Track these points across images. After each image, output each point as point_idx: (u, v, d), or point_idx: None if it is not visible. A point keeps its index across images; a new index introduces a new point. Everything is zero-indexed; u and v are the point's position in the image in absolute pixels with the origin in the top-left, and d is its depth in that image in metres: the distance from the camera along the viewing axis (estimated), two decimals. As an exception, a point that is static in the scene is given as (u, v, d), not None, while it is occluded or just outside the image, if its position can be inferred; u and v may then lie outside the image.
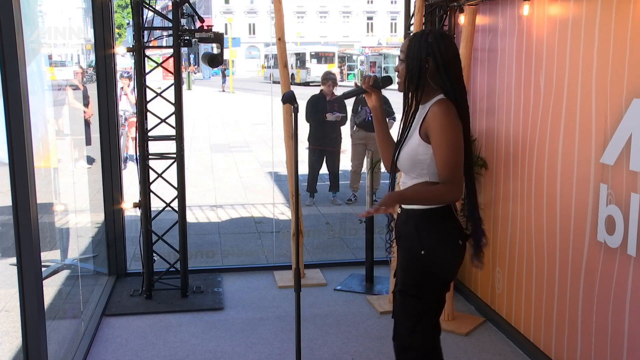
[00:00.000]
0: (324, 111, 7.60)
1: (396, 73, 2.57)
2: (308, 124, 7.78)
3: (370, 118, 7.61)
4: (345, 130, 8.00)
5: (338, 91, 7.89)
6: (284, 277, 5.03)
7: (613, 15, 2.84)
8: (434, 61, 2.39)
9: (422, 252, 2.45)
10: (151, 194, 4.59)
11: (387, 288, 4.73)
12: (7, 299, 4.34)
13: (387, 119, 7.79)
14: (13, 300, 4.18)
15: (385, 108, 8.13)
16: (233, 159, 11.52)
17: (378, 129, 2.71)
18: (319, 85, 7.92)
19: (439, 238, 2.47)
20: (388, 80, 2.66)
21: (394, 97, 5.06)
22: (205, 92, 30.06)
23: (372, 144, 7.69)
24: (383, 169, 5.38)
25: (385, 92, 2.75)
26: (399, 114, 2.72)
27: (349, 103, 8.04)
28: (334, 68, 33.82)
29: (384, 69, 34.76)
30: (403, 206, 2.54)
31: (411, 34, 2.58)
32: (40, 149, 4.42)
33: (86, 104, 8.18)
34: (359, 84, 8.91)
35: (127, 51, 4.49)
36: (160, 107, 4.59)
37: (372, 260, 5.00)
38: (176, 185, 4.57)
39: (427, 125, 2.40)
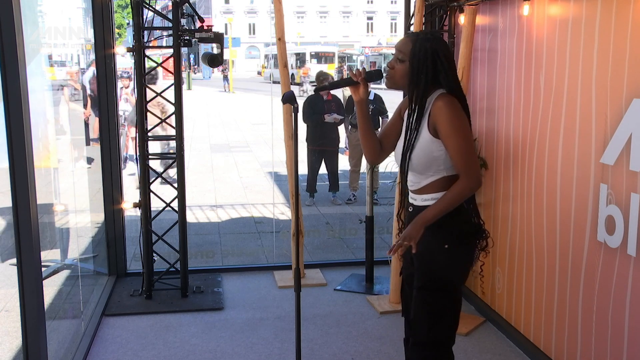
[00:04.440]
0: (321, 112, 7.59)
1: (387, 69, 2.57)
2: (306, 125, 7.79)
3: None
4: (342, 130, 7.99)
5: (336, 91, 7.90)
6: (284, 277, 5.04)
7: (613, 15, 2.84)
8: (439, 63, 2.44)
9: (446, 246, 2.46)
10: (151, 194, 4.59)
11: (387, 288, 4.73)
12: (7, 299, 4.34)
13: (380, 117, 7.70)
14: (13, 300, 4.18)
15: (379, 105, 8.14)
16: (233, 159, 11.53)
17: (362, 123, 2.69)
18: None
19: (460, 232, 2.50)
20: (378, 74, 2.66)
21: (388, 95, 5.07)
22: (205, 92, 30.06)
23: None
24: (382, 169, 5.39)
25: (380, 91, 2.75)
26: (391, 112, 2.72)
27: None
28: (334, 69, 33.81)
29: (384, 69, 34.72)
30: (418, 204, 2.55)
31: (408, 35, 2.57)
32: (40, 149, 4.42)
33: (84, 104, 8.17)
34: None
35: (127, 51, 4.49)
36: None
37: (372, 260, 5.00)
38: (176, 185, 4.57)
39: (434, 120, 2.42)
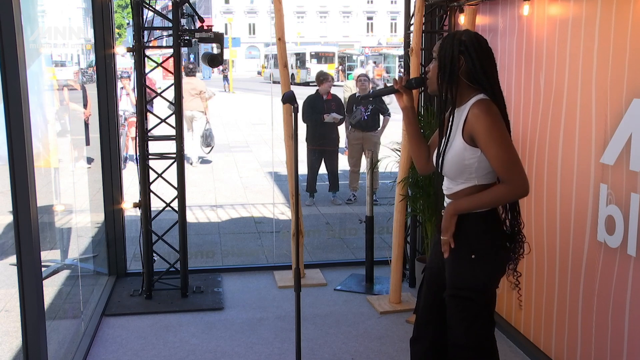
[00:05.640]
0: (321, 111, 7.59)
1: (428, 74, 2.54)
2: (305, 125, 7.79)
3: (365, 117, 7.61)
4: (342, 130, 8.01)
5: (334, 90, 7.90)
6: (284, 277, 5.03)
7: (613, 15, 2.84)
8: (467, 59, 2.36)
9: (473, 256, 2.41)
10: (151, 194, 4.59)
11: (387, 288, 4.73)
12: (7, 299, 4.34)
13: (382, 116, 7.65)
14: (13, 300, 4.18)
15: (379, 105, 8.11)
16: (233, 159, 11.52)
17: (409, 130, 2.64)
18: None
19: (489, 242, 2.43)
20: (421, 81, 2.63)
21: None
22: (205, 92, 29.97)
23: (369, 143, 7.70)
24: (382, 169, 5.39)
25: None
26: (395, 113, 2.71)
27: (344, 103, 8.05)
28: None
29: (384, 69, 34.77)
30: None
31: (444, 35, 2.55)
32: (40, 149, 4.42)
33: (84, 104, 8.18)
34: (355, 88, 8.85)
35: (127, 51, 4.49)
36: (160, 107, 4.59)
37: (372, 260, 5.00)
38: (176, 185, 4.57)
39: (470, 128, 2.34)
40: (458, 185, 2.45)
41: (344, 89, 10.50)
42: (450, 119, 2.44)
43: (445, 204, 2.56)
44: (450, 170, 2.44)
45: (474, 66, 2.36)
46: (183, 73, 10.01)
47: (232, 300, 4.61)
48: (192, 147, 10.35)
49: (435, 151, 2.54)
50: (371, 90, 6.63)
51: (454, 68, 2.37)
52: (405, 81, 2.59)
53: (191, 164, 10.41)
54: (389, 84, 2.96)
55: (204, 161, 10.85)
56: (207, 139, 10.27)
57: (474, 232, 2.42)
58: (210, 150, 10.44)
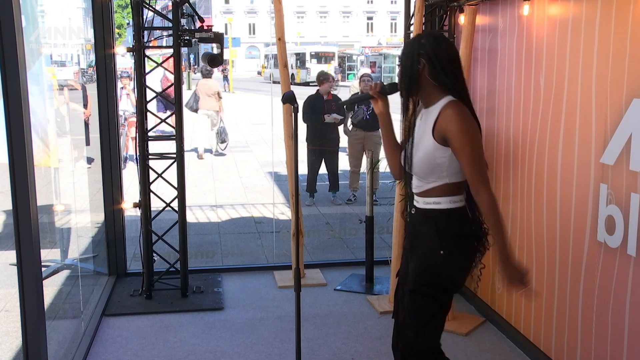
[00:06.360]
0: (321, 112, 7.59)
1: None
2: (306, 125, 7.79)
3: (367, 117, 7.61)
4: (341, 129, 8.00)
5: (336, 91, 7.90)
6: (284, 277, 5.04)
7: (613, 15, 2.84)
8: (428, 61, 2.42)
9: (442, 252, 2.44)
10: (151, 194, 4.59)
11: (387, 288, 4.73)
12: (7, 299, 4.35)
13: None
14: (13, 300, 4.19)
15: None
16: (233, 159, 11.53)
17: (385, 136, 2.70)
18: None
19: (458, 239, 2.46)
20: (394, 87, 2.67)
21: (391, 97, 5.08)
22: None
23: (370, 143, 7.69)
24: (382, 169, 5.39)
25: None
26: (394, 113, 2.73)
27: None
28: (332, 67, 33.80)
29: (384, 69, 34.77)
30: (420, 206, 2.54)
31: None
32: (40, 149, 4.43)
33: (85, 104, 8.18)
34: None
35: (127, 51, 4.49)
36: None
37: (372, 260, 5.00)
38: (176, 185, 4.57)
39: (442, 129, 2.39)
40: (429, 183, 2.49)
41: (350, 89, 10.58)
42: (415, 120, 2.50)
43: (415, 203, 2.58)
44: (421, 170, 2.48)
45: (435, 67, 2.43)
46: (200, 74, 10.79)
47: (232, 300, 4.61)
48: (201, 140, 11.47)
49: (403, 152, 2.59)
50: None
51: (414, 71, 2.44)
52: (380, 87, 2.64)
53: (211, 153, 11.65)
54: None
55: (220, 154, 11.69)
56: (222, 135, 11.27)
57: (444, 228, 2.45)
58: (226, 147, 11.43)
